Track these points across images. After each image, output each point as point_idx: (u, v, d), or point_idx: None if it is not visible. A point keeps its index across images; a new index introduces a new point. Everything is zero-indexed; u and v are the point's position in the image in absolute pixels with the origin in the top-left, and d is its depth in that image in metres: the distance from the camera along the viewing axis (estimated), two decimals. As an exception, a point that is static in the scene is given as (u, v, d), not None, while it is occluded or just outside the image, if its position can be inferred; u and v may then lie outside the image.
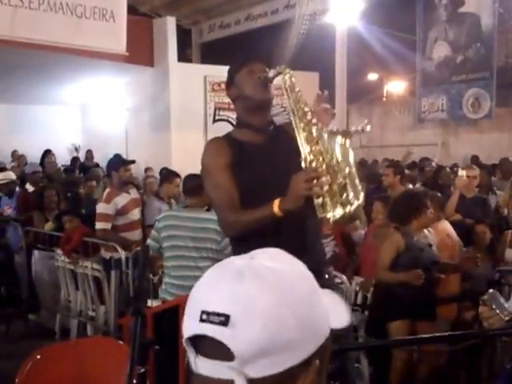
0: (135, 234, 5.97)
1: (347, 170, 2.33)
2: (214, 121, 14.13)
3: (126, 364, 2.23)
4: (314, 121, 2.44)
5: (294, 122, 2.48)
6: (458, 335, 4.27)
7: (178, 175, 6.61)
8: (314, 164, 2.36)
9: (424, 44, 14.74)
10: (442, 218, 5.45)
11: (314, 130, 2.42)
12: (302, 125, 2.45)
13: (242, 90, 2.73)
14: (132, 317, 1.70)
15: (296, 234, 2.56)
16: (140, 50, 13.07)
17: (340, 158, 2.34)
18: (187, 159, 12.54)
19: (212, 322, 0.87)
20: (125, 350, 2.70)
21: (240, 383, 0.86)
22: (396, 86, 16.88)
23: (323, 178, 2.29)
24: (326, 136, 2.38)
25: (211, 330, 0.87)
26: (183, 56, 15.64)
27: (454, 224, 5.66)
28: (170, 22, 13.63)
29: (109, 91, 14.64)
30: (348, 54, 14.74)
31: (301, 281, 0.92)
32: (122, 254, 5.64)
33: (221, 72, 15.91)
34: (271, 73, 2.62)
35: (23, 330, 6.68)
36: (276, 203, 2.42)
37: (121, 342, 3.18)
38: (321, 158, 2.37)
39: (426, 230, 4.68)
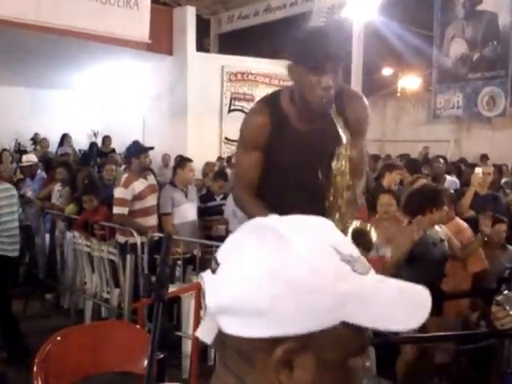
0: (151, 220, 6.07)
1: None
2: (230, 111, 14.26)
3: (143, 348, 2.36)
4: (344, 210, 2.53)
5: (329, 200, 2.57)
6: (472, 334, 4.31)
7: (189, 160, 6.56)
8: None
9: (441, 41, 14.72)
10: (454, 216, 5.41)
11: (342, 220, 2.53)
12: (335, 210, 2.55)
13: (301, 86, 2.54)
14: (154, 303, 1.82)
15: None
16: (160, 39, 13.17)
17: None
18: (203, 147, 12.73)
19: (211, 269, 0.87)
20: (141, 334, 2.84)
21: (214, 333, 0.87)
22: (410, 82, 16.85)
23: None
24: (351, 230, 2.48)
25: (206, 276, 0.87)
26: (201, 46, 15.69)
27: (466, 221, 5.61)
28: (190, 12, 13.73)
29: (128, 78, 14.72)
30: (364, 48, 14.78)
31: (310, 259, 0.82)
32: (138, 238, 5.76)
33: (238, 62, 15.90)
34: (335, 118, 2.50)
35: (39, 310, 6.81)
36: None
37: (137, 326, 3.33)
38: None
39: (437, 226, 4.64)
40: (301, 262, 0.81)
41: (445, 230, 4.73)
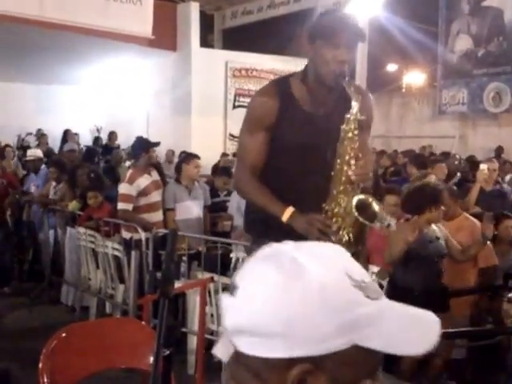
0: (156, 216, 6.05)
1: (355, 248, 2.44)
2: (234, 107, 14.24)
3: (148, 344, 2.33)
4: (353, 178, 2.44)
5: (336, 169, 2.49)
6: (481, 331, 4.27)
7: (196, 156, 6.51)
8: (334, 223, 2.44)
9: (446, 36, 14.69)
10: (461, 212, 5.35)
11: (349, 188, 2.46)
12: (342, 178, 2.46)
13: (317, 61, 2.57)
14: (159, 299, 1.81)
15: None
16: (163, 35, 13.17)
17: (352, 237, 2.44)
18: (207, 143, 12.71)
19: (230, 292, 0.91)
20: (146, 330, 2.82)
21: (231, 352, 0.90)
22: (415, 78, 16.83)
23: (332, 238, 2.40)
24: (354, 203, 2.42)
25: (225, 298, 0.91)
26: (205, 41, 15.70)
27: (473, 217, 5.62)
28: (194, 8, 13.72)
29: (132, 74, 14.75)
30: (368, 44, 14.74)
31: (324, 285, 0.85)
32: (142, 234, 5.74)
33: (242, 58, 15.85)
34: (349, 86, 2.51)
35: (44, 306, 6.81)
36: (288, 212, 2.52)
37: (143, 323, 3.32)
38: (340, 220, 2.46)
39: (434, 224, 4.60)
40: (315, 288, 0.84)
41: (444, 231, 4.70)
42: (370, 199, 2.46)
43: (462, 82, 14.39)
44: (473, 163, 8.87)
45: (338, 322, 0.84)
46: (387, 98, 16.30)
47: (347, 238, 2.44)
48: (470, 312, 4.98)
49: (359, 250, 2.49)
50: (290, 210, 2.53)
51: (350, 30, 2.52)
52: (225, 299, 0.90)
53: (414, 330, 0.88)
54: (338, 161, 2.48)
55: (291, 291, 0.84)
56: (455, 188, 5.74)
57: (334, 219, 2.47)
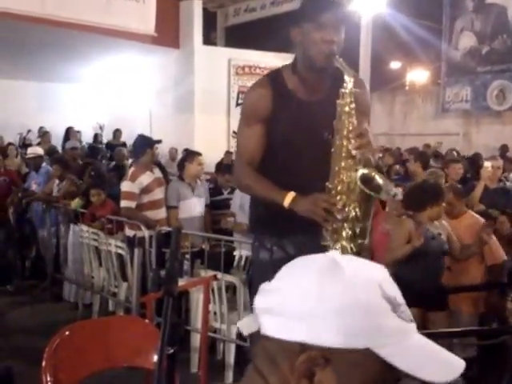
0: (159, 213, 6.03)
1: (362, 224, 2.39)
2: (237, 104, 14.21)
3: (152, 342, 2.30)
4: (354, 152, 2.39)
5: (336, 145, 2.43)
6: (485, 330, 4.25)
7: (198, 153, 6.48)
8: (339, 202, 2.38)
9: (450, 34, 14.66)
10: (465, 210, 5.33)
11: (350, 163, 2.40)
12: (343, 154, 2.40)
13: (305, 45, 2.59)
14: (163, 297, 1.78)
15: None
16: (166, 32, 13.17)
17: (359, 212, 2.37)
18: (210, 141, 12.71)
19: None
20: (150, 328, 2.80)
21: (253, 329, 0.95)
22: (419, 75, 16.81)
23: (338, 216, 2.35)
24: (359, 176, 2.36)
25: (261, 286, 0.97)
26: (208, 39, 15.70)
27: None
28: (197, 5, 13.71)
29: (134, 72, 14.74)
30: (372, 42, 14.72)
31: (354, 285, 0.89)
32: (146, 232, 5.72)
33: (245, 56, 15.83)
34: (340, 63, 2.46)
35: (47, 303, 6.82)
36: (290, 197, 2.48)
37: (146, 321, 3.30)
38: (344, 197, 2.39)
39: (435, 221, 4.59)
40: (346, 285, 0.89)
41: (446, 228, 4.68)
42: (373, 172, 2.41)
43: (465, 79, 14.36)
44: (472, 162, 8.85)
45: (357, 322, 0.87)
46: (391, 96, 16.27)
47: (354, 213, 2.38)
48: (480, 310, 4.95)
49: (366, 226, 2.43)
50: (291, 195, 2.49)
51: (334, 11, 2.55)
52: (261, 286, 0.96)
53: (436, 360, 0.90)
54: (337, 136, 2.42)
55: (323, 282, 0.89)
56: (459, 186, 5.74)
57: (338, 197, 2.40)
